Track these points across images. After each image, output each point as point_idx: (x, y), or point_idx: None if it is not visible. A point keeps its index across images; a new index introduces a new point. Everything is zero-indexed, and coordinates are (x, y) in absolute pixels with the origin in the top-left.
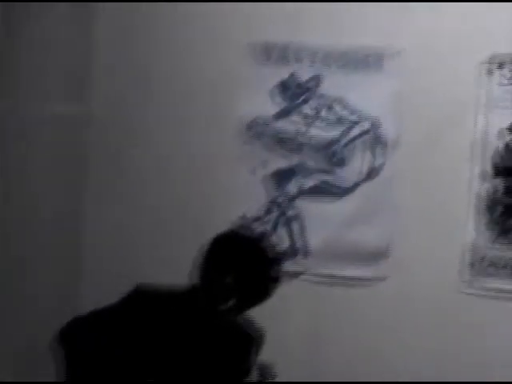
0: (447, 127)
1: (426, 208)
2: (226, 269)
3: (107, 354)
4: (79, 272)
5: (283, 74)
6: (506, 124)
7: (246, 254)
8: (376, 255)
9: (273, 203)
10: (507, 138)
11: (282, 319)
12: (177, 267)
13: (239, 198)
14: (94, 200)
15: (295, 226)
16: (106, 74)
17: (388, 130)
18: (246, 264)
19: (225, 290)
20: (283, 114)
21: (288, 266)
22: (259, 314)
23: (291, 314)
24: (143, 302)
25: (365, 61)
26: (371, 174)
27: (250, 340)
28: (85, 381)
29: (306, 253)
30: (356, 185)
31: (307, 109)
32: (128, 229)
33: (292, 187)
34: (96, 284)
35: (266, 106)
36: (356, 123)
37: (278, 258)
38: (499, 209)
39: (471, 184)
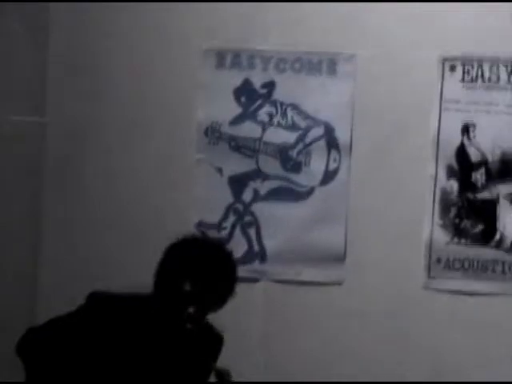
0: (401, 130)
1: (382, 210)
2: (182, 275)
3: (65, 365)
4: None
5: (238, 80)
6: (459, 125)
7: (202, 259)
8: (333, 259)
9: (229, 209)
10: (461, 140)
11: (238, 323)
12: (132, 270)
13: (196, 203)
14: (53, 205)
15: (252, 231)
16: (61, 85)
17: (342, 134)
18: (202, 270)
19: (183, 297)
20: (239, 119)
21: (245, 271)
22: (215, 318)
23: (248, 318)
24: (99, 310)
25: (318, 66)
26: (327, 178)
27: (220, 338)
28: None
29: (263, 258)
30: (312, 189)
31: (262, 115)
32: (84, 231)
33: (248, 192)
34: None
35: (222, 111)
36: (310, 128)
37: (234, 264)
38: (454, 210)
39: (426, 185)
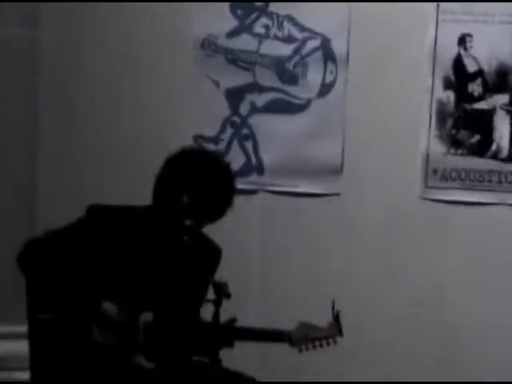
0: (398, 42)
1: (378, 122)
2: (181, 188)
3: (65, 275)
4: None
5: None
6: (456, 36)
7: (200, 171)
8: (330, 170)
9: (226, 122)
10: (457, 50)
11: (236, 235)
12: (133, 189)
13: (193, 117)
14: (49, 119)
15: (249, 144)
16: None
17: (338, 46)
18: (200, 182)
19: (181, 209)
20: (235, 32)
21: (243, 183)
22: (213, 231)
23: (246, 231)
24: (99, 221)
25: None
26: (324, 90)
27: (218, 251)
28: (45, 303)
29: (261, 170)
30: (309, 102)
31: (258, 27)
32: (82, 151)
33: (245, 106)
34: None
35: (218, 24)
36: (307, 40)
37: (232, 176)
38: (450, 121)
39: (423, 97)
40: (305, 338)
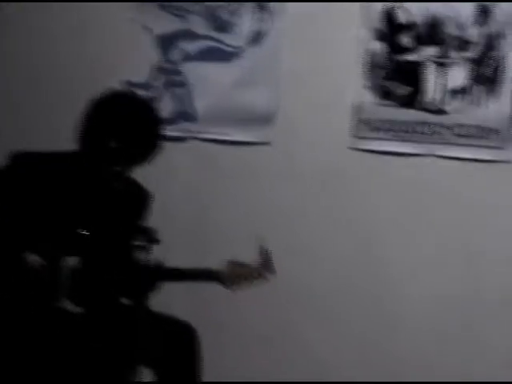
0: None
1: (312, 72)
2: (108, 132)
3: None
4: None
5: None
6: None
7: (127, 114)
8: (262, 120)
9: (159, 69)
10: (390, 2)
11: (168, 183)
12: (61, 133)
13: (124, 63)
14: None
15: (181, 91)
16: None
17: None
18: (127, 125)
19: (108, 154)
20: None
21: (174, 130)
22: (142, 178)
23: (177, 177)
24: (22, 167)
25: None
26: (257, 38)
27: (148, 196)
28: None
29: (192, 117)
30: (242, 50)
31: None
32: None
33: (178, 52)
34: None
35: None
36: None
37: (158, 118)
38: (381, 72)
39: (356, 47)
40: (235, 275)
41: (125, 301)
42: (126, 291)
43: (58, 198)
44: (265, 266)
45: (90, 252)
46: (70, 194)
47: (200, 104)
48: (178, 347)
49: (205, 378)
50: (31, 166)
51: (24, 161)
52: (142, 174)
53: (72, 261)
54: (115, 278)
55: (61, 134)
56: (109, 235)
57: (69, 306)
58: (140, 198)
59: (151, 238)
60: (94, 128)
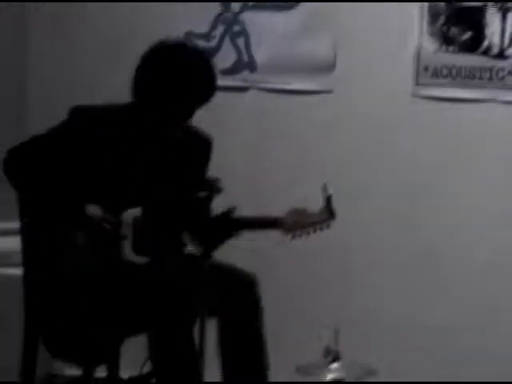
0: None
1: (371, 20)
2: (163, 82)
3: (49, 179)
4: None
5: None
6: None
7: (180, 64)
8: (323, 68)
9: (218, 18)
10: None
11: (227, 133)
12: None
13: (184, 13)
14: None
15: (241, 41)
16: None
17: None
18: (181, 74)
19: (166, 103)
20: None
21: (235, 80)
22: (205, 127)
23: (237, 127)
24: (82, 121)
25: None
26: None
27: (209, 144)
28: (31, 206)
29: (253, 67)
30: None
31: None
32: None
33: (237, 2)
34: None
35: None
36: None
37: (213, 66)
38: (442, 18)
39: None
40: (297, 223)
41: (187, 251)
42: (191, 241)
43: (118, 150)
44: (327, 213)
45: (154, 202)
46: (131, 145)
47: (260, 53)
48: (241, 297)
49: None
50: (91, 119)
51: (84, 114)
52: (201, 125)
53: (135, 212)
54: (179, 226)
55: (120, 88)
56: (171, 185)
57: (133, 257)
58: (201, 144)
59: (214, 187)
60: (150, 76)
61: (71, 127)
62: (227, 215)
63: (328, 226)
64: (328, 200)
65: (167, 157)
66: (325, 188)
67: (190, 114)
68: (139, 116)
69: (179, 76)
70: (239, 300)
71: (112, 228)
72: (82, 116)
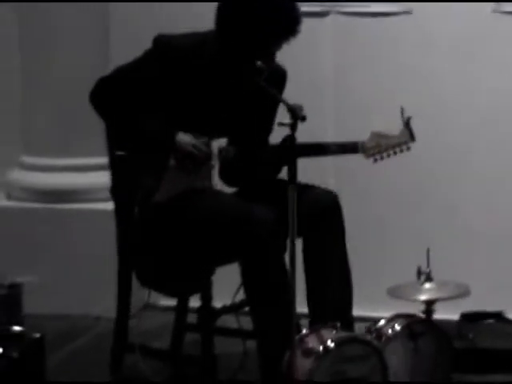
0: None
1: None
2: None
3: (137, 108)
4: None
5: None
6: None
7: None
8: None
9: None
10: None
11: (310, 57)
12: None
13: None
14: None
15: None
16: None
17: None
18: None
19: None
20: None
21: (314, 6)
22: (287, 55)
23: (319, 51)
24: (167, 49)
25: None
26: None
27: (284, 74)
28: (121, 139)
29: None
30: None
31: None
32: None
33: None
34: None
35: None
36: None
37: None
38: None
39: None
40: (378, 146)
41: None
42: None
43: (201, 78)
44: (406, 135)
45: (237, 131)
46: (212, 74)
47: None
48: (326, 210)
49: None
50: (176, 47)
51: (169, 42)
52: (286, 53)
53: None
54: (263, 154)
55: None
56: (252, 111)
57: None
58: (276, 75)
59: (298, 115)
60: (234, 21)
61: (156, 55)
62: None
63: (408, 149)
64: (407, 123)
65: (249, 88)
66: (402, 111)
67: (277, 48)
68: (223, 46)
69: (264, 9)
70: (323, 219)
71: (204, 157)
72: (166, 44)
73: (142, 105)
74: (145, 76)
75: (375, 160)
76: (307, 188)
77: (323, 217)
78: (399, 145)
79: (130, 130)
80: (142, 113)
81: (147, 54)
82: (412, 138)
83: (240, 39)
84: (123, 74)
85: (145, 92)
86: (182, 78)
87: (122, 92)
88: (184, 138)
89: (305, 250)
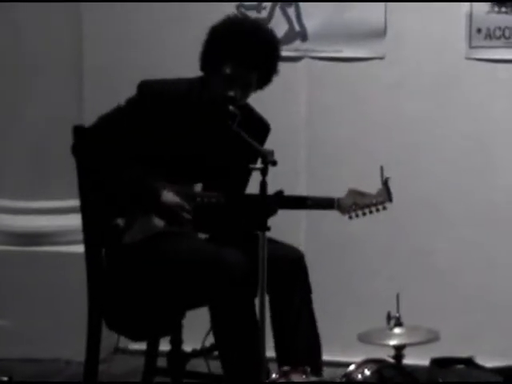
0: None
1: None
2: (223, 58)
3: (117, 156)
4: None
5: None
6: None
7: (243, 40)
8: (374, 34)
9: None
10: None
11: (283, 103)
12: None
13: None
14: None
15: (291, 11)
16: None
17: None
18: (243, 50)
19: (223, 79)
20: None
21: (287, 50)
22: (260, 100)
23: (292, 96)
24: (151, 96)
25: None
26: None
27: (267, 128)
28: (99, 185)
29: (304, 37)
30: None
31: None
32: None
33: None
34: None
35: None
36: None
37: (276, 42)
38: None
39: None
40: (354, 204)
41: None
42: (246, 218)
43: (180, 124)
44: (384, 195)
45: (212, 178)
46: (193, 119)
47: (310, 22)
48: (293, 267)
49: None
50: (158, 92)
51: (152, 88)
52: (258, 97)
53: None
54: (236, 203)
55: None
56: (226, 160)
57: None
58: (259, 128)
59: (268, 159)
60: (210, 54)
61: (140, 102)
62: (281, 193)
63: (384, 208)
64: (385, 182)
65: (228, 133)
66: (381, 171)
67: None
68: (205, 90)
69: (244, 42)
70: (289, 276)
71: (187, 218)
72: (149, 89)
73: (127, 155)
74: (130, 124)
75: (350, 217)
76: (275, 244)
77: (289, 275)
78: (375, 204)
79: (115, 186)
80: (127, 168)
81: (131, 102)
82: (390, 198)
83: (214, 83)
84: (108, 125)
85: (130, 140)
86: (165, 122)
87: (107, 144)
88: (168, 197)
89: (271, 304)
